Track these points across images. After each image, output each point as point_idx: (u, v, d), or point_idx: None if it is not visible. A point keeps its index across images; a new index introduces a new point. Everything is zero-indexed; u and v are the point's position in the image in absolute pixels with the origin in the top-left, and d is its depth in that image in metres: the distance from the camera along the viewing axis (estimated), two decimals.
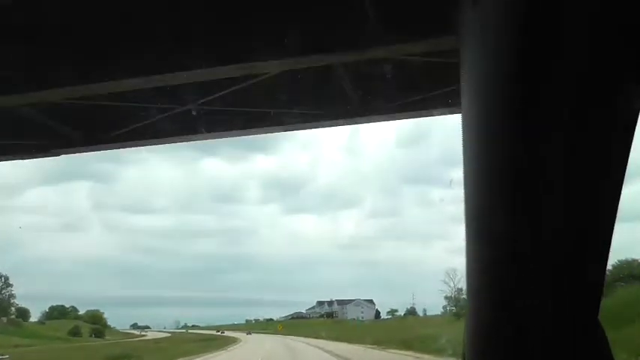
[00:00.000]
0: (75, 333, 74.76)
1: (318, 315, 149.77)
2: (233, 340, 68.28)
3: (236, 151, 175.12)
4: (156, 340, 73.40)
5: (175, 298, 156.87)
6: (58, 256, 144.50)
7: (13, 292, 71.32)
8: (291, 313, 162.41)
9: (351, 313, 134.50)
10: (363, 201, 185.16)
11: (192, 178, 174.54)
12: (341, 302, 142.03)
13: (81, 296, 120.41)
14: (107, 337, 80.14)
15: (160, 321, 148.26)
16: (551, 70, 1.03)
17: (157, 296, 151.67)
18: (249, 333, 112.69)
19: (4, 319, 69.97)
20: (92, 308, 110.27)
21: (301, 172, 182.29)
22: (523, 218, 1.07)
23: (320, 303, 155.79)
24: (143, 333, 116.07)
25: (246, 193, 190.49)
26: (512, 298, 1.10)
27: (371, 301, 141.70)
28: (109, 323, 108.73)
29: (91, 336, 76.81)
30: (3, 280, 71.64)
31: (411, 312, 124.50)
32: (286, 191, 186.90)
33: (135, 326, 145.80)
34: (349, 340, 53.10)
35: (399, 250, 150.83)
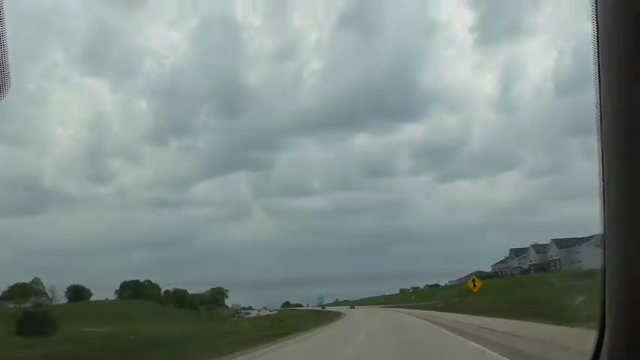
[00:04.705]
0: None
1: (518, 270, 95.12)
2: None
3: (383, 123, 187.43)
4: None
5: (334, 275, 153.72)
6: (223, 244, 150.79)
7: None
8: (463, 276, 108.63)
9: (590, 258, 78.04)
10: (523, 161, 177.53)
11: (344, 157, 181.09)
12: (564, 243, 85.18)
13: (236, 279, 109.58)
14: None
15: (317, 299, 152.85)
16: None
17: (316, 275, 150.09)
18: (352, 307, 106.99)
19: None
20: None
21: (452, 136, 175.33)
22: None
23: (517, 252, 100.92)
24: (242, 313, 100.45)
25: (398, 164, 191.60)
26: None
27: None
28: (230, 303, 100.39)
29: None
30: None
31: None
32: (439, 159, 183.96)
33: (286, 305, 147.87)
34: None
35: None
